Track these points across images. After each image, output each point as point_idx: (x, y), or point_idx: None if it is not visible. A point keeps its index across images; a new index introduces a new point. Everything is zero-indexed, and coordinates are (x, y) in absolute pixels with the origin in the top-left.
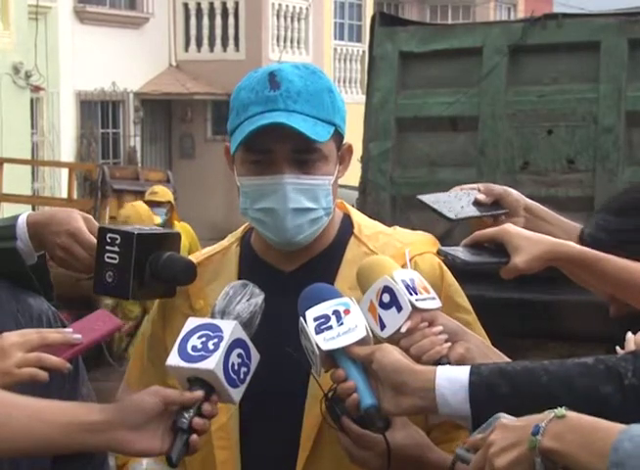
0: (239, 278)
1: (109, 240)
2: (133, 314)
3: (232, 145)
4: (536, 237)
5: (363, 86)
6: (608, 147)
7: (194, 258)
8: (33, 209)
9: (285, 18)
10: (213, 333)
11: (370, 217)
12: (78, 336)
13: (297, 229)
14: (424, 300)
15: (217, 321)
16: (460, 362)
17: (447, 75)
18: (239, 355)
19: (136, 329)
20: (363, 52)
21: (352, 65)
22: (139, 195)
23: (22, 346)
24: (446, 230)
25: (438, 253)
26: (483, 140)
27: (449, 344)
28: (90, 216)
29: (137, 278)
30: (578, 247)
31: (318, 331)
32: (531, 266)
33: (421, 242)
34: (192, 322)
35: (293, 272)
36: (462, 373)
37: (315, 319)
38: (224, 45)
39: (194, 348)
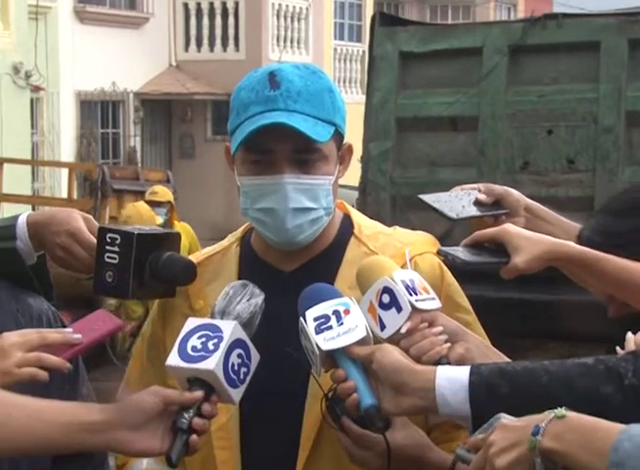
0: (239, 278)
1: (109, 240)
2: (136, 315)
3: (232, 145)
4: (536, 237)
5: (363, 86)
6: (608, 147)
7: (194, 257)
8: (33, 209)
9: (285, 18)
10: (213, 333)
11: (370, 217)
12: (78, 336)
13: (297, 229)
14: (424, 300)
15: (217, 321)
16: (460, 363)
17: (447, 75)
18: (239, 356)
19: (139, 329)
20: (363, 52)
21: (352, 65)
22: (139, 195)
23: (21, 345)
24: (446, 230)
25: (438, 253)
26: (483, 140)
27: (449, 344)
28: (90, 216)
29: (137, 278)
30: (578, 247)
31: (318, 331)
32: (531, 266)
33: (421, 242)
34: (192, 322)
35: (293, 272)
36: (462, 373)
37: (315, 319)
38: (224, 45)
39: (194, 348)
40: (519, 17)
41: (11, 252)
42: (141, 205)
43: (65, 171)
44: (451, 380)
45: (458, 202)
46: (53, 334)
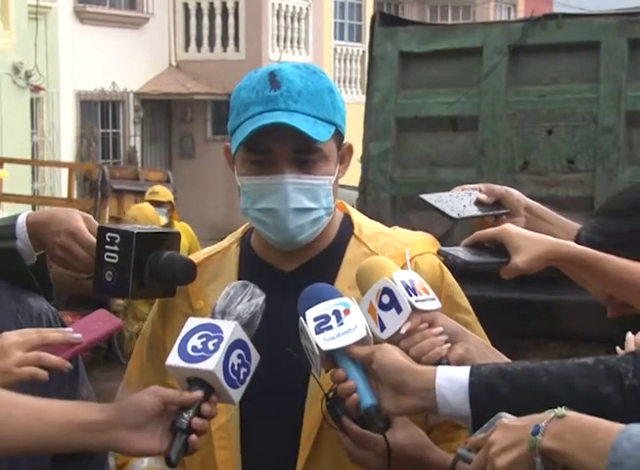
0: (239, 278)
1: (108, 239)
2: (143, 315)
3: (233, 145)
4: (537, 237)
5: (363, 86)
6: (608, 147)
7: (194, 258)
8: (33, 208)
9: (285, 18)
10: (213, 333)
11: (370, 218)
12: (78, 335)
13: (298, 229)
14: (423, 301)
15: (217, 322)
16: (460, 363)
17: (447, 75)
18: (239, 356)
19: None
20: (363, 52)
21: (352, 65)
22: (139, 195)
23: (21, 345)
24: (446, 230)
25: (439, 253)
26: (483, 140)
27: (449, 345)
28: (90, 216)
29: (137, 277)
30: (579, 247)
31: (318, 331)
32: (532, 266)
33: (421, 242)
34: (192, 322)
35: (293, 272)
36: (462, 373)
37: (315, 319)
38: (224, 45)
39: (194, 348)
40: (519, 17)
41: (11, 251)
42: (146, 206)
43: (65, 171)
44: (451, 380)
45: (459, 201)
46: (53, 333)
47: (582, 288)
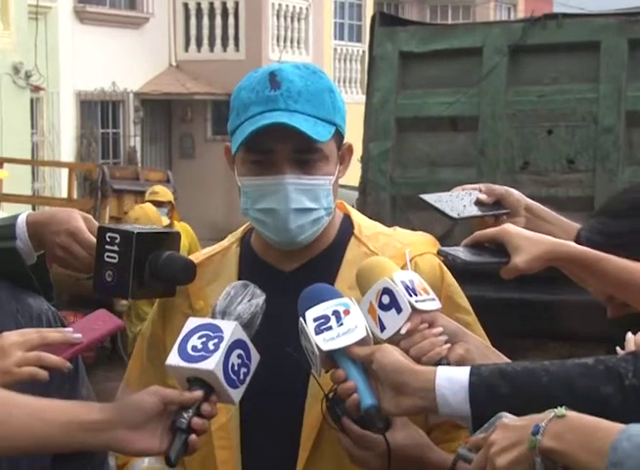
0: (239, 278)
1: (108, 239)
2: (146, 315)
3: (233, 145)
4: (537, 237)
5: (363, 86)
6: (608, 147)
7: (194, 258)
8: (33, 208)
9: (285, 18)
10: (214, 333)
11: (370, 218)
12: (78, 335)
13: (298, 229)
14: (423, 301)
15: (218, 322)
16: (460, 363)
17: (447, 75)
18: (239, 356)
19: None
20: (363, 52)
21: (352, 65)
22: (139, 195)
23: (21, 345)
24: (446, 231)
25: (439, 253)
26: (483, 140)
27: (449, 345)
28: (90, 216)
29: (137, 277)
30: (579, 247)
31: (318, 331)
32: (532, 266)
33: (421, 242)
34: (192, 322)
35: (293, 272)
36: (462, 374)
37: (315, 320)
38: (224, 45)
39: (194, 348)
40: (519, 17)
41: (11, 251)
42: (148, 206)
43: (65, 171)
44: (451, 380)
45: (459, 201)
46: (53, 333)
47: (582, 288)
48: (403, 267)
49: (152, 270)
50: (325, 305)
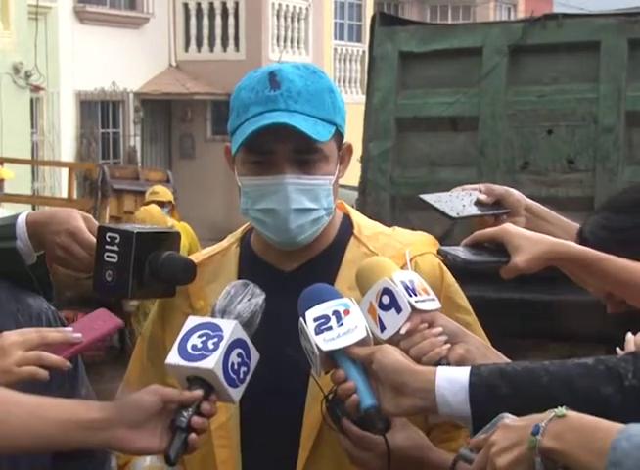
0: (239, 278)
1: (108, 239)
2: None
3: (233, 146)
4: (536, 237)
5: (363, 86)
6: (608, 147)
7: (194, 258)
8: (33, 208)
9: (285, 18)
10: (213, 332)
11: (370, 217)
12: (78, 335)
13: (298, 229)
14: (423, 301)
15: (218, 320)
16: (460, 363)
17: (447, 75)
18: (238, 355)
19: None
20: (363, 52)
21: (352, 65)
22: (139, 195)
23: (21, 344)
24: (446, 230)
25: (439, 252)
26: (483, 140)
27: (449, 345)
28: (90, 216)
29: (136, 277)
30: (579, 247)
31: (318, 332)
32: (532, 266)
33: (421, 242)
34: (192, 321)
35: (292, 272)
36: (462, 374)
37: (315, 320)
38: (224, 45)
39: (194, 347)
40: (519, 17)
41: (10, 251)
42: (153, 207)
43: (65, 171)
44: (451, 380)
45: (459, 201)
46: (53, 333)
47: (582, 288)
48: (403, 267)
49: (152, 270)
50: (325, 305)
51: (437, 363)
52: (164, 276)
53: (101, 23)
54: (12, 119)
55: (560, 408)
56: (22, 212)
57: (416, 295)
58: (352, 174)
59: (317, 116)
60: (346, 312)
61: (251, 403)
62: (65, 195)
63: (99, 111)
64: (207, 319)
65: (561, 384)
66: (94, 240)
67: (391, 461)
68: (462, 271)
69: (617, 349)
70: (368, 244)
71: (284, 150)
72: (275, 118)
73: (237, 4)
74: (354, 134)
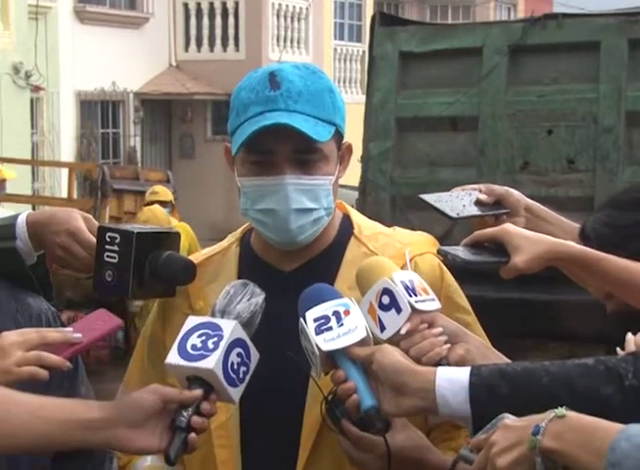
0: (239, 278)
1: (108, 239)
2: None
3: (233, 146)
4: (536, 237)
5: (363, 86)
6: (608, 147)
7: (194, 258)
8: (33, 208)
9: (285, 18)
10: (213, 332)
11: (370, 218)
12: (78, 335)
13: (298, 230)
14: (423, 301)
15: (217, 320)
16: (460, 364)
17: (447, 75)
18: (238, 355)
19: None
20: (363, 52)
21: (352, 65)
22: (139, 195)
23: (21, 345)
24: (446, 231)
25: (438, 252)
26: (483, 140)
27: (449, 345)
28: (90, 216)
29: (137, 277)
30: (579, 246)
31: (318, 332)
32: (531, 266)
33: (421, 242)
34: (192, 321)
35: (292, 272)
36: (462, 374)
37: (315, 320)
38: (224, 45)
39: (193, 346)
40: (519, 17)
41: (10, 251)
42: (156, 208)
43: (65, 171)
44: (451, 381)
45: (459, 201)
46: (52, 333)
47: (582, 288)
48: (403, 267)
49: (152, 270)
50: (325, 305)
51: (437, 363)
52: (164, 276)
53: (101, 23)
54: (12, 119)
55: (560, 409)
56: (22, 212)
57: (416, 295)
58: (352, 174)
59: (317, 116)
60: (347, 313)
61: (250, 403)
62: (65, 195)
63: (99, 111)
64: (207, 319)
65: (561, 384)
66: (94, 240)
67: (391, 462)
68: (462, 271)
69: (618, 349)
70: (368, 244)
71: (284, 150)
72: (275, 119)
73: (237, 4)
74: (354, 134)
